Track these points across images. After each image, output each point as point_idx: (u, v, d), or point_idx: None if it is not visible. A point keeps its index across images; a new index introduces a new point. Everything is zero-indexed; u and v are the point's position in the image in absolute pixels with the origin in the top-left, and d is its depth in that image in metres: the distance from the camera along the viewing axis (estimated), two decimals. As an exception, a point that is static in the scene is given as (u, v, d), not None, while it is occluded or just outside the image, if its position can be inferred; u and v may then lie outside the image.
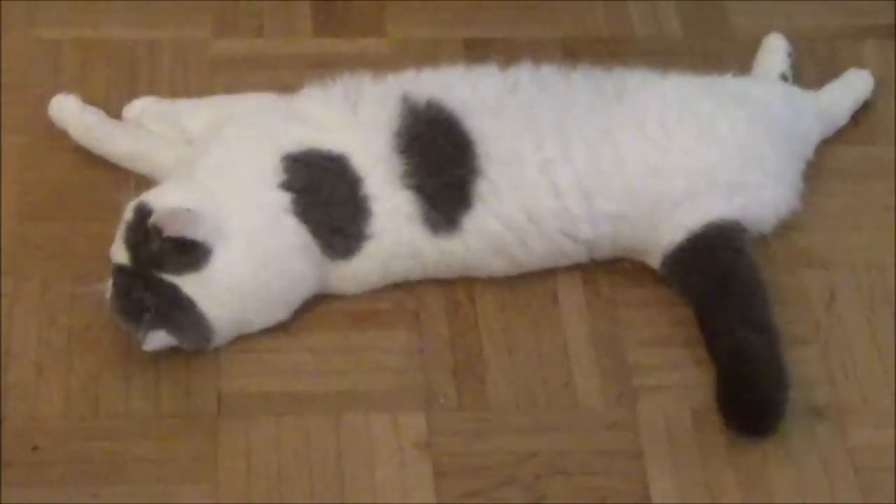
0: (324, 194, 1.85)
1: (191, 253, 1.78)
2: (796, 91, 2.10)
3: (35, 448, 1.76)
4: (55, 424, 1.78)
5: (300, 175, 1.84)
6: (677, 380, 1.88)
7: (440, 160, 1.88)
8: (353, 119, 1.90)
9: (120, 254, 1.80)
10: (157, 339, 1.79)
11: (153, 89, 2.09)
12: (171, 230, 1.76)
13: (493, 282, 1.94)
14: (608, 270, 1.97)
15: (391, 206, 1.86)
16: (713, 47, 2.24)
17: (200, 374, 1.84)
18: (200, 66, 2.15)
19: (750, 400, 1.80)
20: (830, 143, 2.11)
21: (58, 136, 2.03)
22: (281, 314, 1.87)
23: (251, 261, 1.82)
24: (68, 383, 1.82)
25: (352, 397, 1.83)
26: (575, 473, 1.79)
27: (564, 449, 1.81)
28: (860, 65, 2.19)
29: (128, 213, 1.81)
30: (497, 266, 1.93)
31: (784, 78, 2.13)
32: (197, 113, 2.01)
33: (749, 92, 2.02)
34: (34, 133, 2.04)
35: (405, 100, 1.90)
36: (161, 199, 1.80)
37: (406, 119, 1.88)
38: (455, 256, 1.90)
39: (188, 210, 1.77)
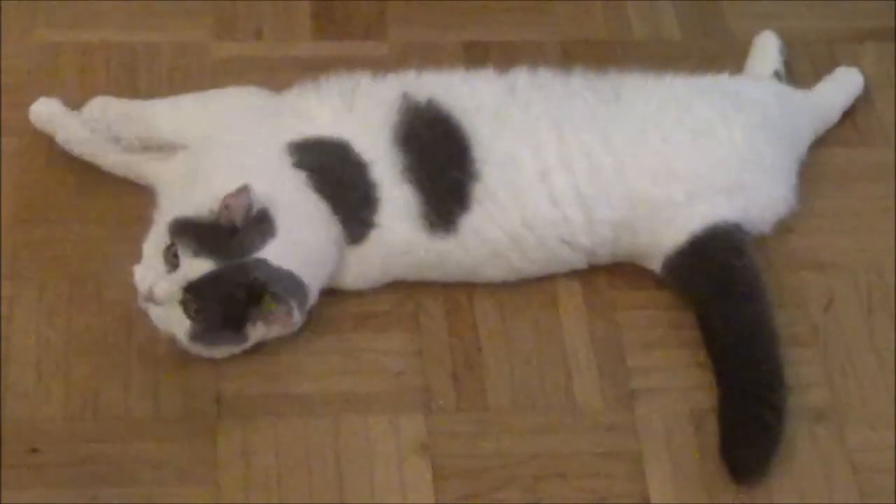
0: (336, 174, 1.84)
1: (264, 220, 1.77)
2: (789, 90, 2.11)
3: (34, 450, 1.76)
4: (55, 426, 1.79)
5: (309, 156, 1.84)
6: (676, 382, 1.88)
7: (438, 160, 1.87)
8: (349, 114, 1.89)
9: (194, 267, 1.74)
10: (259, 333, 1.80)
11: (153, 92, 2.08)
12: (239, 206, 1.74)
13: (492, 284, 1.94)
14: (607, 273, 1.97)
15: (395, 196, 1.85)
16: (712, 50, 2.25)
17: (199, 375, 1.84)
18: (200, 68, 2.15)
19: (748, 406, 1.80)
20: (829, 145, 2.12)
21: (57, 139, 2.03)
22: (329, 268, 1.85)
23: (304, 221, 1.81)
24: (68, 385, 1.82)
25: (351, 399, 1.84)
26: (573, 475, 1.79)
27: (563, 451, 1.81)
28: (858, 67, 2.19)
29: (165, 239, 1.76)
30: (495, 272, 1.92)
31: (777, 75, 2.13)
32: (168, 114, 1.95)
33: (744, 92, 2.01)
34: (33, 135, 2.03)
35: (404, 97, 1.90)
36: (184, 208, 1.78)
37: (405, 115, 1.88)
38: (453, 259, 1.89)
39: (244, 186, 1.75)
